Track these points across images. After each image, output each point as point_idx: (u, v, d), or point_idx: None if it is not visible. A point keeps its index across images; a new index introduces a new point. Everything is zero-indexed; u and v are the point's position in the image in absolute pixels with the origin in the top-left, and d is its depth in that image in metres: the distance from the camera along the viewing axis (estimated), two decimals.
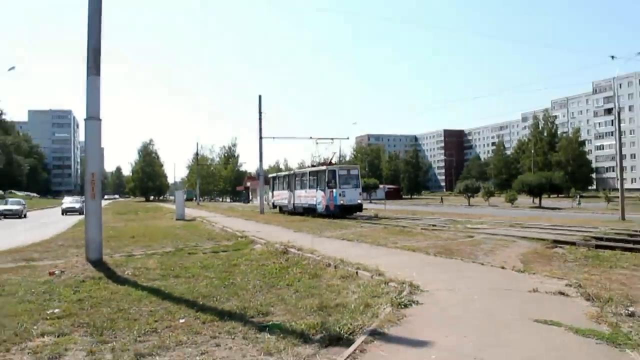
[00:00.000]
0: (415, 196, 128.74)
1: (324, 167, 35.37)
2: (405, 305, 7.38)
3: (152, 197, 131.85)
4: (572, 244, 15.80)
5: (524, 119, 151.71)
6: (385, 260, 11.94)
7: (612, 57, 30.21)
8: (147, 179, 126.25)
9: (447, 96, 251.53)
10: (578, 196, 68.92)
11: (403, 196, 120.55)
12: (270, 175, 50.30)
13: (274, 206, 45.65)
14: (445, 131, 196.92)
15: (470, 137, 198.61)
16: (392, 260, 12.20)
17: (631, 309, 7.32)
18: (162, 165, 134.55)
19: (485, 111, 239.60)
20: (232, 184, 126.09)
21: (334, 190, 33.03)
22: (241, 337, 6.34)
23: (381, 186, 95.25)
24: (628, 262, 12.28)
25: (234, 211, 48.24)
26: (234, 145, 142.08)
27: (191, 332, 6.54)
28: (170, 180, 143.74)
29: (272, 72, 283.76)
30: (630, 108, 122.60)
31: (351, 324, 6.56)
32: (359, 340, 5.85)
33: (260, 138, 43.78)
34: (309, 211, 36.26)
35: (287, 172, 46.61)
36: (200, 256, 14.00)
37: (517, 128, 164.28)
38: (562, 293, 8.24)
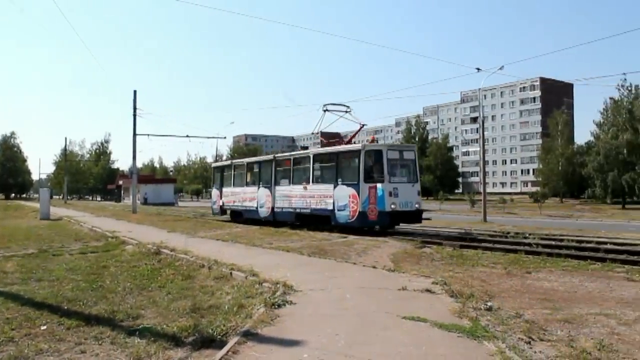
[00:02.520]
0: None
1: (357, 146, 21.21)
2: (279, 306, 7.42)
3: (13, 195, 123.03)
4: (439, 244, 16.65)
5: (398, 124, 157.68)
6: (260, 261, 11.96)
7: (478, 69, 32.23)
8: (8, 175, 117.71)
9: (325, 99, 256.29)
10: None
11: None
12: (216, 165, 35.08)
13: (224, 211, 31.20)
14: (322, 133, 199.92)
15: (346, 140, 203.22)
16: (267, 261, 12.23)
17: (489, 303, 7.86)
18: (25, 161, 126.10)
19: (361, 115, 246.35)
20: (103, 182, 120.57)
21: (379, 185, 19.32)
22: (109, 343, 6.08)
23: None
24: (488, 260, 13.13)
25: (105, 210, 46.13)
26: (107, 141, 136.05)
27: (54, 340, 6.17)
28: (35, 176, 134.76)
29: (151, 69, 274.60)
30: (493, 118, 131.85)
31: (224, 325, 6.51)
32: (232, 341, 5.80)
33: (135, 135, 42.15)
34: (318, 221, 22.16)
35: (257, 158, 30.41)
36: (66, 258, 13.30)
37: (392, 132, 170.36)
38: (428, 290, 8.64)
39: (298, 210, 23.41)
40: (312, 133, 26.76)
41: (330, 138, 26.85)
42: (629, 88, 71.08)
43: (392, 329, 6.36)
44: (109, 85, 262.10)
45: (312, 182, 22.69)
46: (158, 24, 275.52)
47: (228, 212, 30.87)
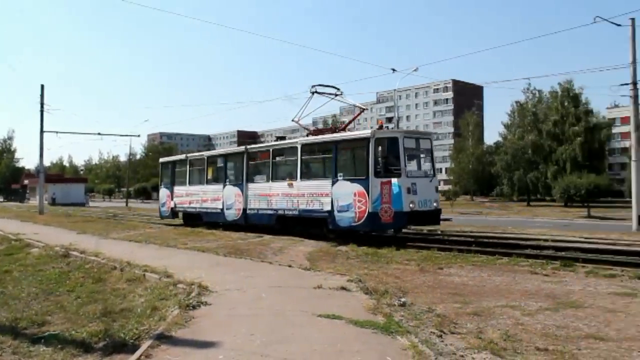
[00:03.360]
0: None
1: (364, 132, 17.45)
2: (194, 307, 7.29)
3: None
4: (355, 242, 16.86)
5: (314, 123, 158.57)
6: (175, 262, 11.73)
7: (393, 70, 32.90)
8: None
9: (240, 97, 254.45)
10: None
11: None
12: (165, 160, 29.49)
13: (175, 214, 26.68)
14: (239, 132, 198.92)
15: (263, 139, 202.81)
16: (182, 261, 12.02)
17: (403, 299, 8.05)
18: None
19: (278, 114, 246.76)
20: (6, 182, 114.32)
21: (395, 181, 15.82)
22: (10, 353, 5.80)
23: None
24: (402, 257, 13.43)
25: (8, 211, 43.76)
26: (10, 138, 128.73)
27: None
28: None
29: (60, 62, 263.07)
30: (408, 118, 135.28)
31: (137, 329, 6.34)
32: (145, 345, 5.65)
33: (42, 132, 40.20)
34: (309, 224, 18.63)
35: (222, 151, 26.81)
36: None
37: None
38: (344, 288, 8.74)
39: (280, 212, 19.43)
40: (293, 120, 21.75)
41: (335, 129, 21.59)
42: (534, 92, 75.52)
43: (308, 327, 6.39)
44: (13, 79, 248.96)
45: (301, 177, 18.71)
46: (68, 17, 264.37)
47: (180, 215, 26.53)
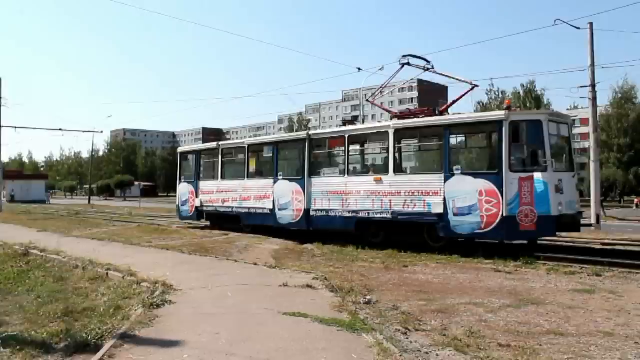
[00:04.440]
0: (172, 194, 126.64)
1: (495, 114, 14.16)
2: (158, 306, 7.22)
3: None
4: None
5: (280, 121, 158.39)
6: (139, 260, 11.61)
7: (359, 69, 33.24)
8: None
9: (207, 94, 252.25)
10: None
11: (160, 194, 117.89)
12: (187, 150, 25.11)
13: (201, 215, 22.22)
14: (205, 129, 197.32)
15: (229, 137, 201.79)
16: (146, 260, 11.90)
17: (368, 297, 8.09)
18: None
19: (246, 111, 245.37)
20: None
21: (539, 176, 12.61)
22: None
23: (136, 183, 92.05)
24: (367, 255, 13.52)
25: None
26: None
27: None
28: None
29: (19, 56, 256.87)
30: (373, 116, 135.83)
31: (100, 329, 6.23)
32: (108, 345, 5.56)
33: None
34: (407, 231, 14.89)
35: (272, 138, 21.87)
36: None
37: (274, 129, 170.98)
38: (309, 286, 8.76)
39: (362, 215, 15.56)
40: (367, 100, 18.83)
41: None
42: (496, 92, 76.48)
43: (273, 325, 6.38)
44: None
45: (395, 171, 14.89)
46: (28, 7, 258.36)
47: (205, 215, 22.11)
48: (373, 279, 10.24)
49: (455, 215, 13.45)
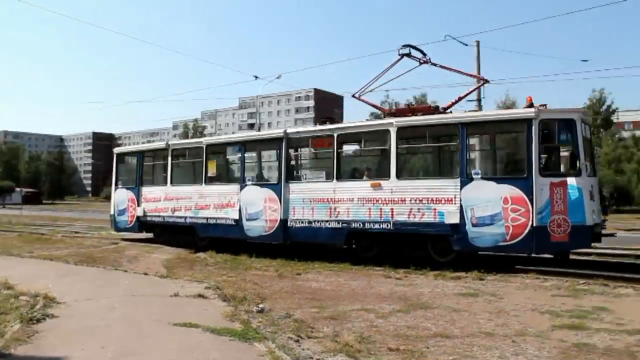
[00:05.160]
0: (58, 201, 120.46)
1: (524, 111, 11.94)
2: (38, 320, 6.79)
3: None
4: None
5: (175, 127, 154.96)
6: (18, 272, 10.92)
7: (256, 77, 33.21)
8: None
9: (97, 98, 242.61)
10: None
11: (44, 201, 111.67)
12: (126, 151, 22.71)
13: (143, 226, 19.10)
14: (95, 134, 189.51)
15: (121, 142, 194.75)
16: (26, 271, 11.23)
17: (261, 305, 8.05)
18: None
19: (138, 116, 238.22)
20: None
21: (572, 181, 11.35)
22: None
23: (18, 189, 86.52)
24: (261, 263, 13.47)
25: None
26: None
27: None
28: None
29: None
30: (270, 124, 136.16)
31: None
32: None
33: None
34: (412, 244, 13.18)
35: (238, 137, 19.88)
36: None
37: (168, 135, 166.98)
38: (201, 296, 8.60)
39: (356, 225, 13.56)
40: (353, 96, 15.75)
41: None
42: (391, 103, 78.72)
43: (163, 337, 6.20)
44: None
45: (398, 175, 13.06)
46: None
47: (149, 226, 19.11)
48: (266, 287, 10.21)
49: (474, 225, 11.89)
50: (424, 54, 15.06)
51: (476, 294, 9.42)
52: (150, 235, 19.38)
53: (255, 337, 6.06)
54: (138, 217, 18.85)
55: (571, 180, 11.29)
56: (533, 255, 12.11)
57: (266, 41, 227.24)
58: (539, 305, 8.33)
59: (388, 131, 13.31)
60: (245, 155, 16.50)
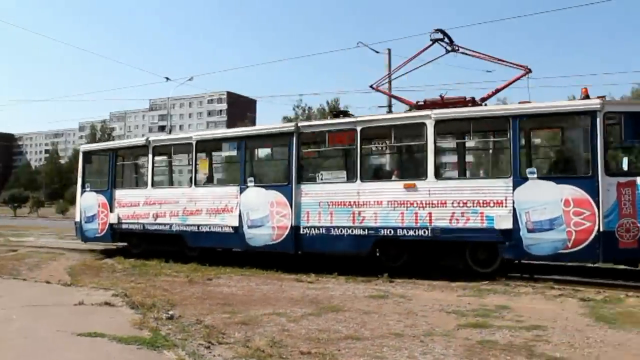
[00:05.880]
0: None
1: (586, 103, 10.62)
2: None
3: None
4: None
5: (82, 128, 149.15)
6: None
7: (167, 78, 32.49)
8: None
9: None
10: None
11: None
12: (94, 149, 19.54)
13: (117, 235, 16.67)
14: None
15: (21, 143, 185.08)
16: None
17: (171, 312, 7.87)
18: None
19: (44, 116, 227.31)
20: None
21: None
22: None
23: None
24: (171, 269, 13.19)
25: None
26: None
27: None
28: None
29: None
30: (181, 127, 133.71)
31: None
32: None
33: None
34: (450, 253, 11.92)
35: (235, 132, 16.03)
36: None
37: (74, 137, 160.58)
38: (108, 303, 8.30)
39: (385, 233, 11.98)
40: (371, 86, 14.24)
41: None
42: (304, 108, 79.21)
43: (66, 348, 5.93)
44: None
45: (436, 176, 11.68)
46: None
47: (124, 235, 16.69)
48: (176, 293, 10.00)
49: (530, 231, 10.59)
50: (452, 41, 13.51)
51: (386, 296, 9.63)
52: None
53: (165, 345, 5.91)
54: (111, 225, 16.37)
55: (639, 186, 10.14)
56: (598, 264, 11.02)
57: (177, 42, 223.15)
58: (446, 306, 8.65)
59: (424, 125, 11.77)
60: (247, 152, 14.54)
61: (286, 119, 77.91)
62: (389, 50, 24.96)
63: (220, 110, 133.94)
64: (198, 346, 6.13)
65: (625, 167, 10.64)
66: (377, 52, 24.87)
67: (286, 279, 11.73)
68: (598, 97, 10.39)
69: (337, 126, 13.19)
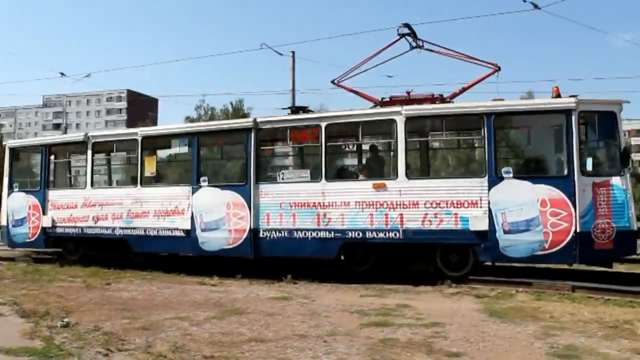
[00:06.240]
0: None
1: (559, 101, 10.35)
2: None
3: None
4: (11, 259, 15.36)
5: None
6: None
7: (62, 74, 30.82)
8: None
9: None
10: None
11: None
12: (25, 144, 18.63)
13: (49, 241, 15.12)
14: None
15: None
16: None
17: (66, 319, 7.53)
18: None
19: None
20: None
21: (616, 181, 10.15)
22: None
23: None
24: (67, 274, 12.62)
25: None
26: None
27: None
28: None
29: None
30: (78, 125, 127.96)
31: None
32: None
33: None
34: (420, 256, 11.39)
35: (187, 127, 15.89)
36: None
37: None
38: None
39: (352, 235, 11.38)
40: (332, 81, 13.23)
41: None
42: (206, 109, 78.09)
43: None
44: None
45: (407, 175, 11.16)
46: None
47: (57, 240, 15.17)
48: (72, 299, 9.59)
49: (506, 232, 10.34)
50: (417, 38, 12.89)
51: (290, 297, 9.69)
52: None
53: (59, 355, 5.66)
54: (44, 229, 14.93)
55: (615, 180, 10.12)
56: (575, 264, 10.68)
57: (73, 37, 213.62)
58: (349, 306, 8.82)
59: (394, 121, 11.29)
60: (199, 149, 13.44)
61: (189, 119, 76.70)
62: (293, 52, 25.17)
63: (120, 109, 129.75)
64: (96, 354, 5.92)
65: (600, 167, 10.66)
66: (281, 54, 25.02)
67: (189, 282, 11.55)
68: (571, 96, 10.31)
69: (300, 122, 12.48)
